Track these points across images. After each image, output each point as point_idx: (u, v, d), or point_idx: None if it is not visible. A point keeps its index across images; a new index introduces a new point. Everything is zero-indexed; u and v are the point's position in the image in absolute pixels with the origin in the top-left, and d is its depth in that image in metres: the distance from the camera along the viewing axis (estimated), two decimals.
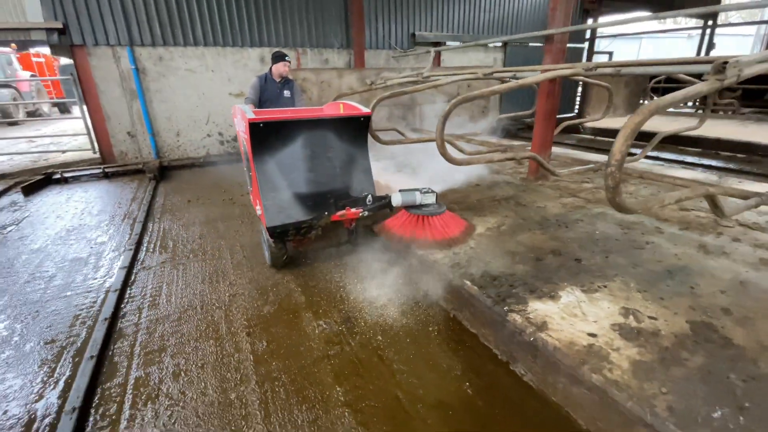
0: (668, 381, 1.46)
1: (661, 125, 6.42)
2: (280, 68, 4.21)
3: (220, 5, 6.53)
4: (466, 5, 8.98)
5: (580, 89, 10.43)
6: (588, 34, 11.39)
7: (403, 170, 4.76)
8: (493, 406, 1.68)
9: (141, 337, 2.21)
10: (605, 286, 2.09)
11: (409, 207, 2.71)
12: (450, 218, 2.75)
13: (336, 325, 2.25)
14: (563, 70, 2.95)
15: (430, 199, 2.72)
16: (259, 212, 2.73)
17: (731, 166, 5.37)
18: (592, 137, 9.11)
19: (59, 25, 5.59)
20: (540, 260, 2.40)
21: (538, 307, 1.93)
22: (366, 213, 2.74)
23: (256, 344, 2.11)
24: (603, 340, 1.69)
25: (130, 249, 3.33)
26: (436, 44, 8.46)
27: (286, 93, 4.33)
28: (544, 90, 3.73)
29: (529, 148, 4.46)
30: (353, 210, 2.70)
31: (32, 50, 16.03)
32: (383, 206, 2.75)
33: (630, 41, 33.66)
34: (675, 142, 7.54)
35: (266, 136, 2.56)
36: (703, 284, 2.08)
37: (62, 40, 5.74)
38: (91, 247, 3.47)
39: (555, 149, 6.40)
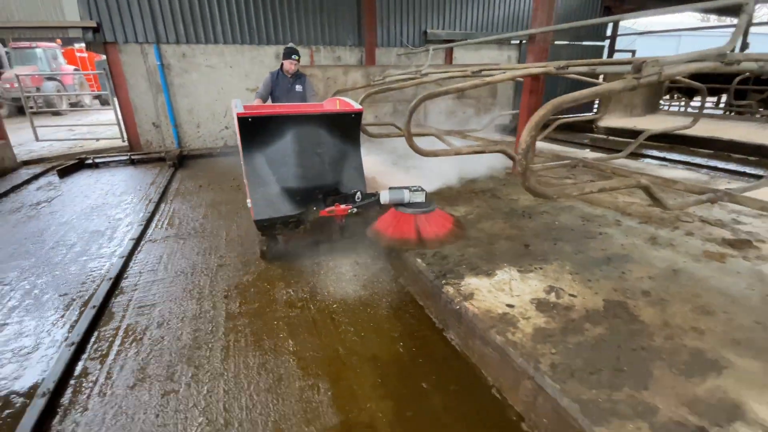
0: (561, 345, 1.66)
1: (666, 125, 6.35)
2: (287, 65, 4.22)
3: (239, 6, 6.95)
4: (480, 3, 9.05)
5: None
6: (609, 32, 11.18)
7: (399, 163, 5.00)
8: (417, 362, 1.92)
9: (137, 294, 2.58)
10: (541, 268, 2.27)
11: (398, 205, 2.62)
12: (439, 217, 2.67)
13: (302, 293, 2.55)
14: (535, 68, 3.11)
15: (420, 197, 2.63)
16: (249, 205, 2.73)
17: (738, 168, 5.28)
18: (605, 137, 9.01)
19: (94, 24, 6.17)
20: (492, 245, 2.60)
21: (472, 282, 2.15)
22: (355, 210, 2.73)
23: (230, 305, 2.44)
24: (518, 310, 1.90)
25: (141, 225, 3.75)
26: (449, 42, 8.58)
27: (298, 88, 4.32)
28: (527, 87, 3.87)
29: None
30: (342, 206, 2.70)
31: (76, 46, 17.28)
32: (372, 203, 2.72)
33: (666, 39, 32.30)
34: (687, 143, 7.39)
35: (255, 131, 2.60)
36: (636, 271, 2.23)
37: (96, 38, 6.32)
38: (109, 222, 3.92)
39: (557, 147, 6.46)
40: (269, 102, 4.26)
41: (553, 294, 2.02)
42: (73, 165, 6.08)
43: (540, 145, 6.02)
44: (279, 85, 4.23)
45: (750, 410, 1.33)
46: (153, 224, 3.87)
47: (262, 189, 2.66)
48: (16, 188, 5.16)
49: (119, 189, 5.13)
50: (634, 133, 8.15)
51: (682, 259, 2.35)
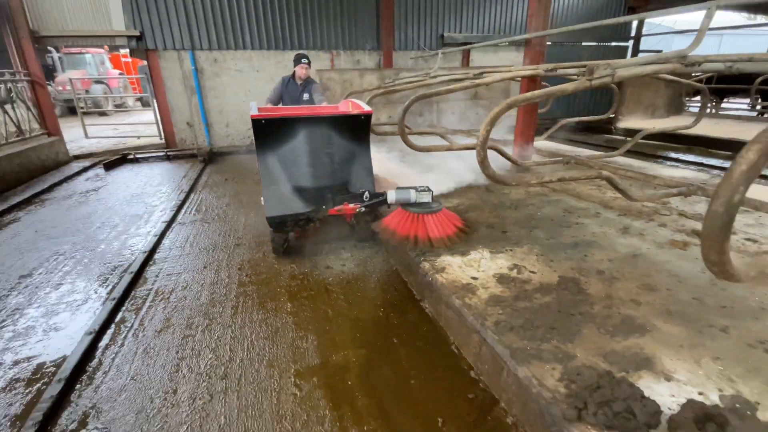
0: (509, 308, 1.94)
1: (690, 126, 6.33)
2: (297, 71, 4.28)
3: (266, 15, 7.49)
4: (497, 6, 9.22)
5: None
6: (633, 32, 11.02)
7: (406, 159, 5.31)
8: (392, 323, 2.24)
9: (166, 265, 3.04)
10: (511, 250, 2.54)
11: (405, 205, 2.69)
12: (446, 217, 2.72)
13: (303, 268, 2.92)
14: (524, 71, 3.35)
15: (426, 197, 2.68)
16: (262, 202, 2.81)
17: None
18: (623, 138, 8.96)
19: (137, 33, 6.85)
20: (473, 231, 2.88)
21: (446, 260, 2.44)
22: (363, 209, 2.82)
23: (242, 275, 2.84)
24: (480, 282, 2.19)
25: (173, 210, 4.26)
26: (465, 44, 8.81)
27: (305, 96, 4.38)
28: (524, 88, 4.10)
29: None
30: (351, 205, 2.79)
31: (121, 51, 18.64)
32: (380, 203, 2.80)
33: (707, 38, 30.65)
34: (706, 144, 7.30)
35: (268, 132, 2.72)
36: (598, 254, 2.46)
37: (139, 45, 7.02)
38: (146, 208, 4.46)
39: (566, 147, 6.57)
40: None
41: (515, 270, 2.29)
42: (117, 159, 6.78)
43: (546, 144, 6.17)
44: (288, 92, 4.31)
45: (658, 363, 1.57)
46: (183, 210, 4.38)
47: (274, 187, 2.76)
48: (68, 179, 5.86)
49: (156, 181, 5.72)
50: (650, 135, 8.09)
51: (646, 246, 2.55)
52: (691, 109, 10.58)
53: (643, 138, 8.58)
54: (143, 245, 3.38)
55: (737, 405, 1.34)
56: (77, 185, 5.54)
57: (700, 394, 1.40)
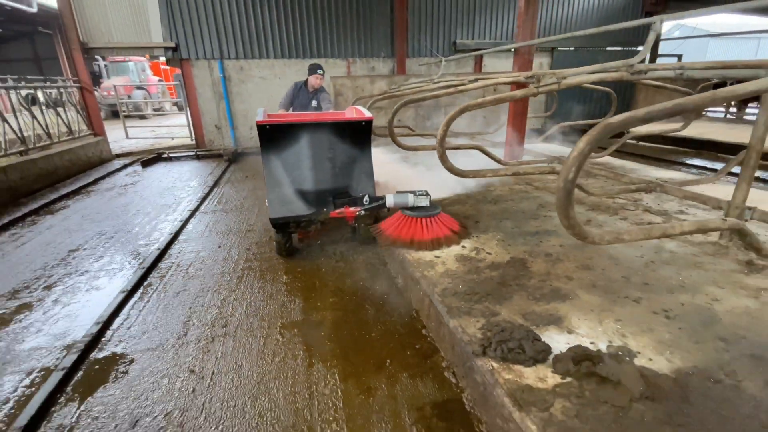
0: (458, 279, 2.31)
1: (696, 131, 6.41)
2: (312, 80, 4.48)
3: (288, 26, 8.10)
4: (508, 13, 9.47)
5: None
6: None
7: (409, 159, 5.71)
8: (368, 293, 2.64)
9: (188, 245, 3.57)
10: (477, 237, 2.89)
11: (404, 208, 2.80)
12: (443, 219, 2.82)
13: (302, 252, 3.37)
14: (505, 77, 3.68)
15: (424, 201, 2.79)
16: (267, 204, 2.93)
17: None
18: (636, 142, 8.97)
19: (173, 45, 7.61)
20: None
21: None
22: (363, 212, 2.91)
23: (249, 254, 3.33)
24: (441, 259, 2.56)
25: (197, 201, 4.84)
26: (475, 50, 9.10)
27: (314, 103, 4.57)
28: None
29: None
30: (351, 209, 2.89)
31: (161, 59, 20.02)
32: (379, 207, 2.91)
33: (743, 41, 29.79)
34: (716, 149, 7.29)
35: (273, 137, 2.84)
36: (553, 241, 2.77)
37: (175, 55, 7.78)
38: (175, 199, 5.07)
39: (562, 148, 6.76)
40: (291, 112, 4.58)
41: (474, 252, 2.64)
42: (153, 158, 7.53)
43: (542, 146, 6.39)
44: (299, 98, 4.53)
45: (567, 321, 1.90)
46: (206, 201, 4.96)
47: (278, 190, 2.87)
48: (110, 174, 6.62)
49: (185, 177, 6.38)
50: (662, 138, 8.12)
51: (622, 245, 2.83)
52: (709, 114, 10.41)
53: (655, 142, 8.59)
54: (170, 228, 3.94)
55: (619, 353, 1.66)
56: (118, 179, 6.27)
57: (591, 343, 1.72)
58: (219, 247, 3.52)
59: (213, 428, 1.63)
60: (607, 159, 5.28)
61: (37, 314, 2.54)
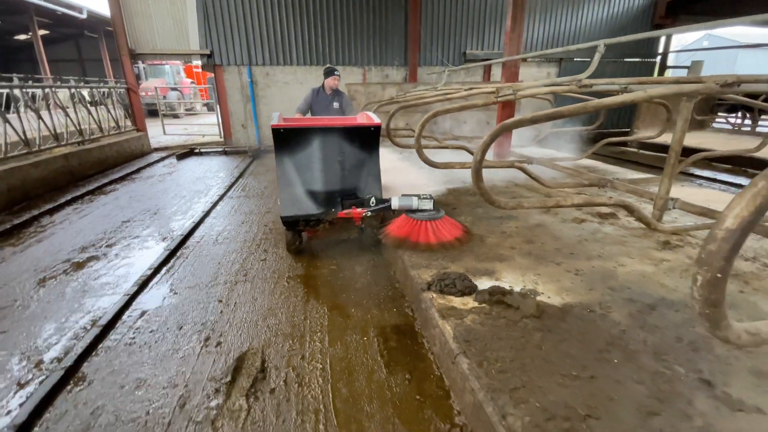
0: None
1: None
2: (330, 82, 4.62)
3: (309, 36, 8.92)
4: None
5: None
6: (661, 48, 11.26)
7: (411, 158, 6.35)
8: (362, 259, 3.30)
9: (217, 220, 4.33)
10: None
11: (408, 211, 2.91)
12: (447, 223, 2.90)
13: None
14: (486, 88, 4.28)
15: (427, 204, 2.88)
16: (279, 203, 3.05)
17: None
18: (636, 150, 9.33)
19: (208, 52, 8.53)
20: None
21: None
22: (369, 213, 3.01)
23: (266, 229, 4.04)
24: None
25: (225, 189, 5.63)
26: (484, 60, 9.68)
27: (335, 105, 4.68)
28: (500, 105, 5.00)
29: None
30: (358, 210, 2.99)
31: (194, 62, 21.36)
32: (385, 208, 3.02)
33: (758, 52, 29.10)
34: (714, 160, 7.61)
35: (286, 140, 3.00)
36: (511, 223, 3.36)
37: (209, 61, 8.69)
38: (206, 186, 5.88)
39: (560, 154, 7.22)
40: (308, 116, 4.71)
41: None
42: (186, 152, 8.44)
43: (542, 152, 6.90)
44: (318, 102, 4.67)
45: (498, 274, 2.50)
46: (232, 189, 5.74)
47: (289, 190, 3.01)
48: (150, 164, 7.53)
49: (214, 169, 7.22)
50: (661, 148, 8.48)
51: (551, 220, 3.41)
52: (715, 125, 10.59)
53: (655, 150, 8.92)
54: (202, 208, 4.71)
55: (527, 292, 2.26)
56: (157, 169, 7.17)
57: (509, 286, 2.32)
58: (242, 223, 4.26)
59: (235, 332, 2.31)
60: (591, 162, 5.78)
61: (103, 263, 3.32)
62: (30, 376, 2.00)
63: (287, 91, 9.21)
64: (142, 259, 3.37)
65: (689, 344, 1.75)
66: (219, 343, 2.21)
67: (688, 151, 7.36)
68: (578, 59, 10.65)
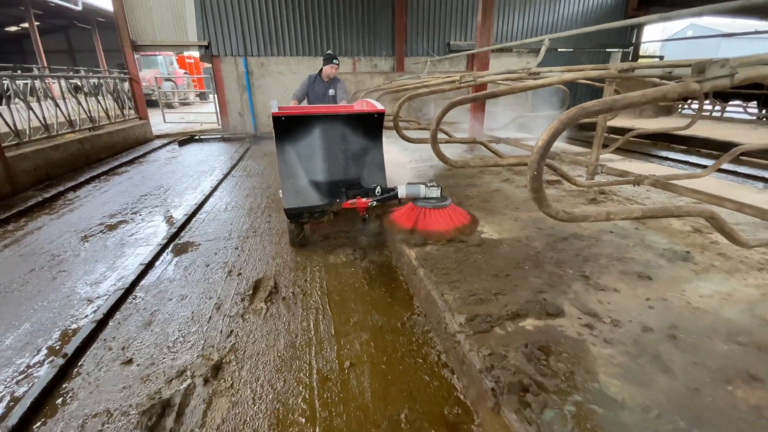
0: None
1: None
2: (327, 70, 4.61)
3: (302, 28, 9.43)
4: (499, 16, 10.61)
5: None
6: (634, 39, 11.94)
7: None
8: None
9: (224, 195, 4.95)
10: None
11: (417, 199, 2.85)
12: (453, 211, 2.87)
13: None
14: (451, 77, 4.91)
15: (435, 192, 2.84)
16: (281, 194, 2.95)
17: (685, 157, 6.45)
18: (608, 134, 10.04)
19: (206, 43, 9.01)
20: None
21: None
22: (375, 203, 2.91)
23: (268, 200, 4.68)
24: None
25: (227, 169, 6.24)
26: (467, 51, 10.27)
27: (331, 92, 4.68)
28: (474, 90, 5.64)
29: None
30: (363, 199, 2.90)
31: (185, 53, 21.59)
32: (391, 198, 2.93)
33: (756, 41, 29.98)
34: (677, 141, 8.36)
35: (287, 128, 2.87)
36: (474, 190, 4.03)
37: (206, 52, 9.18)
38: (210, 168, 6.47)
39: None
40: (304, 103, 4.77)
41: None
42: (187, 139, 8.98)
43: (520, 135, 7.57)
44: (314, 89, 4.72)
45: None
46: (234, 170, 6.35)
47: (292, 181, 2.90)
48: (155, 150, 8.07)
49: (215, 153, 7.80)
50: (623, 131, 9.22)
51: (507, 186, 4.09)
52: (684, 112, 11.36)
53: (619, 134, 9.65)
54: (210, 184, 5.33)
55: (483, 236, 2.93)
56: (161, 154, 7.73)
57: (483, 232, 3.00)
58: (247, 196, 4.89)
59: (251, 267, 2.97)
60: (557, 143, 6.47)
61: (132, 225, 3.94)
62: (95, 295, 2.64)
63: (281, 81, 9.74)
64: (166, 222, 4.00)
65: (583, 258, 2.45)
66: (239, 274, 2.87)
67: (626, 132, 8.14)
68: (562, 49, 11.28)
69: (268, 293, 2.58)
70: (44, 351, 2.11)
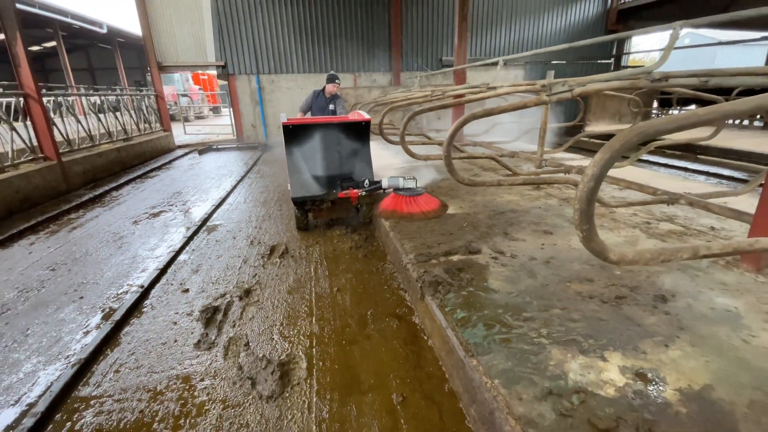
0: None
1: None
2: (330, 88, 5.25)
3: (307, 47, 10.53)
4: (487, 33, 11.62)
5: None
6: (614, 51, 12.84)
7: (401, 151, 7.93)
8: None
9: (243, 190, 5.91)
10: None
11: (397, 189, 3.48)
12: (426, 198, 3.52)
13: None
14: (424, 92, 5.85)
15: (411, 184, 3.49)
16: (289, 187, 3.61)
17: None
18: (588, 139, 10.90)
19: (222, 63, 10.14)
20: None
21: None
22: (364, 193, 3.58)
23: (279, 195, 5.63)
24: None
25: (244, 173, 7.23)
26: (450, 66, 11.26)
27: (331, 107, 5.30)
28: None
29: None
30: (355, 190, 3.57)
31: (199, 70, 22.99)
32: (377, 188, 3.59)
33: (749, 49, 30.69)
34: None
35: (294, 135, 3.59)
36: (445, 183, 4.93)
37: (223, 71, 10.30)
38: (228, 171, 7.47)
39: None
40: (308, 115, 5.43)
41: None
42: (206, 148, 10.05)
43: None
44: (317, 103, 5.35)
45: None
46: (249, 173, 7.34)
47: (298, 175, 3.58)
48: (178, 158, 9.13)
49: (232, 160, 8.83)
50: (609, 136, 10.04)
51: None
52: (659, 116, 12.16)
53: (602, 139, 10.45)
54: (230, 184, 6.31)
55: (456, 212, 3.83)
56: (184, 161, 8.78)
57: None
58: (261, 192, 5.85)
59: (267, 238, 3.89)
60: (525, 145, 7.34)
61: (171, 214, 4.90)
62: (154, 256, 3.57)
63: (290, 95, 10.81)
64: (197, 211, 4.97)
65: (510, 223, 3.32)
66: (259, 243, 3.80)
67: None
68: (557, 62, 12.23)
69: (281, 253, 3.49)
70: (125, 287, 3.04)
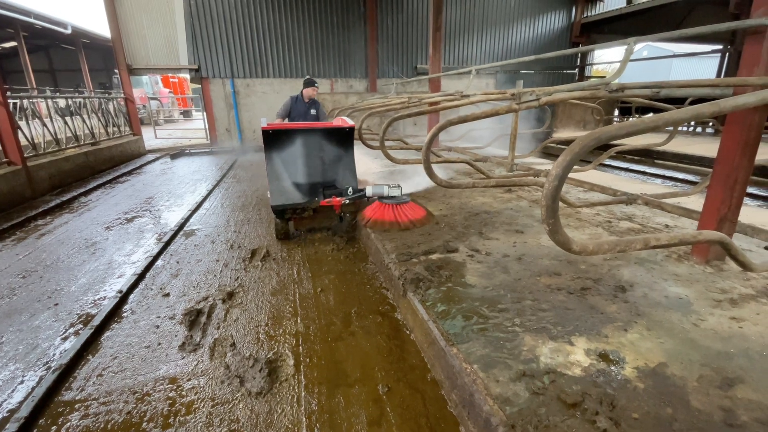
0: None
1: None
2: (309, 92, 5.11)
3: (284, 52, 10.53)
4: (460, 42, 12.00)
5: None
6: (579, 62, 13.54)
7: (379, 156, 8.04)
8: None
9: (219, 196, 5.86)
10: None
11: (381, 197, 3.44)
12: (412, 206, 3.51)
13: None
14: (400, 98, 6.02)
15: (396, 192, 3.47)
16: (268, 195, 3.42)
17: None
18: (555, 144, 11.42)
19: (196, 67, 9.98)
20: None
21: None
22: (347, 201, 3.46)
23: (256, 199, 5.61)
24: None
25: (219, 177, 7.15)
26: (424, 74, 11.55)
27: (312, 112, 5.19)
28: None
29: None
30: (338, 198, 3.44)
31: (169, 73, 22.41)
32: (360, 196, 3.50)
33: (704, 60, 32.91)
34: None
35: (274, 140, 3.47)
36: (439, 190, 5.09)
37: (197, 74, 10.14)
38: (203, 176, 7.36)
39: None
40: (287, 121, 5.17)
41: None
42: (178, 152, 9.82)
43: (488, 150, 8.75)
44: (296, 108, 5.17)
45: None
46: (225, 178, 7.26)
47: (277, 182, 3.41)
48: (149, 162, 8.90)
49: (206, 164, 8.69)
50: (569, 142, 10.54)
51: None
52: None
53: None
54: (206, 189, 6.23)
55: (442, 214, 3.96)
56: (156, 166, 8.56)
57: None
58: (239, 197, 5.82)
59: (248, 242, 3.90)
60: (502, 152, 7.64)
61: (145, 219, 4.81)
62: (131, 261, 3.52)
63: (265, 100, 10.75)
64: (173, 215, 4.89)
65: (484, 223, 3.50)
66: (240, 247, 3.80)
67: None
68: (525, 72, 12.72)
69: (262, 256, 3.52)
70: (102, 293, 2.99)
